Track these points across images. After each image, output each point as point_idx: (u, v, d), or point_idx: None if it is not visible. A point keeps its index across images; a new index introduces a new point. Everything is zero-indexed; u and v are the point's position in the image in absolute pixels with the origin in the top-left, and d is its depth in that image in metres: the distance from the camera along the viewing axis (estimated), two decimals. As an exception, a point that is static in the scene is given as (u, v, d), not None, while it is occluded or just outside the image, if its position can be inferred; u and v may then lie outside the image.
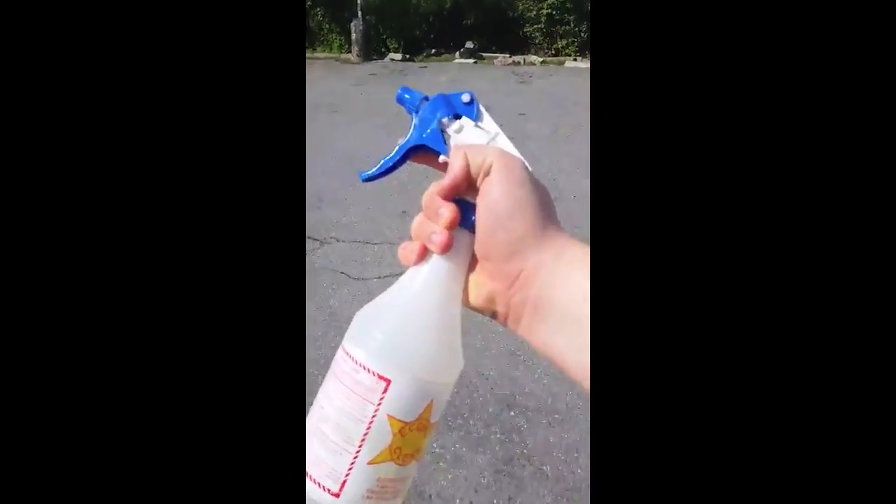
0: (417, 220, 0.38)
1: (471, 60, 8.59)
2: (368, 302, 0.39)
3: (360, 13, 8.88)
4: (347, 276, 2.45)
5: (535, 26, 9.07)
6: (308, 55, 9.52)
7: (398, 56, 8.73)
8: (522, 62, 8.43)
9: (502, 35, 9.53)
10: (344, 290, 2.35)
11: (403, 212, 3.10)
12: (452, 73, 7.41)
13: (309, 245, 2.75)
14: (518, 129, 4.38)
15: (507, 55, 8.98)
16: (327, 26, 9.66)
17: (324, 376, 0.37)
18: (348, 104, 5.72)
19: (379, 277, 2.44)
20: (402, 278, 0.39)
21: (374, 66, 8.28)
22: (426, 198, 0.38)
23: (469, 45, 9.29)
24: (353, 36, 8.90)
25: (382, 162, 0.43)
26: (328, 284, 2.38)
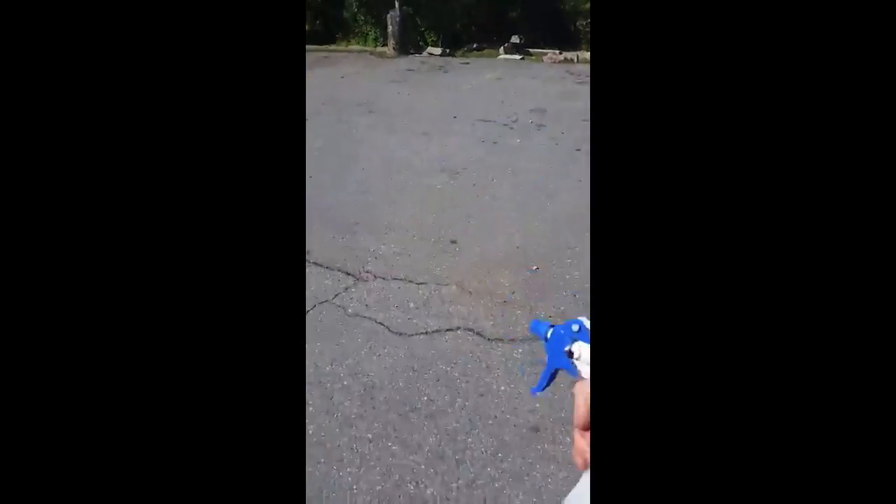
0: (577, 437, 0.42)
1: (517, 56, 8.06)
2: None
3: (396, 4, 8.47)
4: (387, 328, 2.02)
5: (589, 20, 8.49)
6: (342, 48, 9.19)
7: (437, 50, 8.28)
8: (576, 59, 7.85)
9: (551, 29, 8.98)
10: (383, 349, 1.92)
11: (453, 241, 2.67)
12: (498, 70, 6.91)
13: (341, 281, 2.34)
14: (585, 137, 3.87)
15: (557, 51, 8.42)
16: (362, 18, 9.30)
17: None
18: (385, 104, 5.31)
19: (426, 333, 2.00)
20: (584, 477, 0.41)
21: (411, 60, 7.85)
22: (576, 421, 0.41)
23: (515, 39, 8.75)
24: (390, 28, 8.50)
25: (539, 380, 0.47)
26: (364, 340, 1.96)
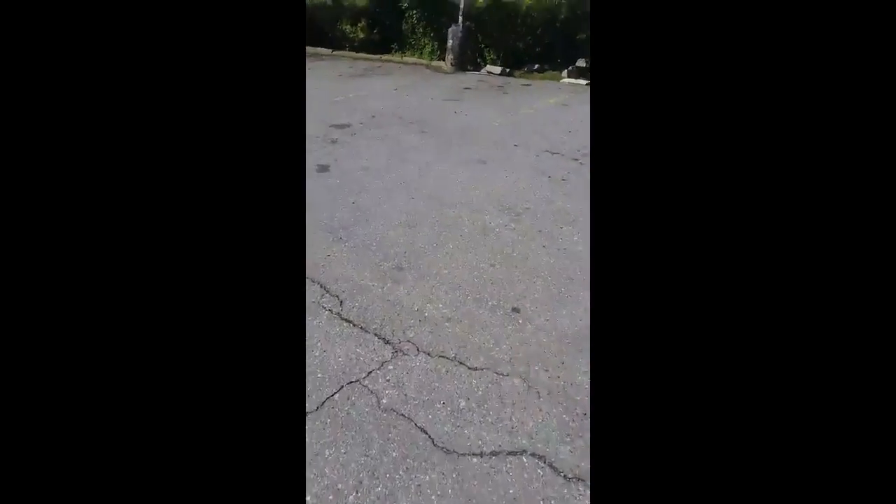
0: None
1: (582, 81, 7.56)
2: None
3: (460, 18, 8.12)
4: (430, 439, 1.52)
5: (661, 47, 7.90)
6: (396, 59, 8.90)
7: (496, 69, 7.86)
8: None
9: (617, 54, 8.45)
10: (422, 474, 1.40)
11: (515, 310, 2.17)
12: (562, 94, 6.41)
13: (377, 351, 1.87)
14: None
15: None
16: (421, 30, 9.01)
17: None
18: (439, 123, 4.88)
19: (480, 454, 1.47)
20: None
21: (468, 77, 7.44)
22: None
23: (581, 62, 8.26)
24: (450, 42, 8.14)
25: None
26: (399, 455, 1.45)
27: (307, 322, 2.00)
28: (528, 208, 3.11)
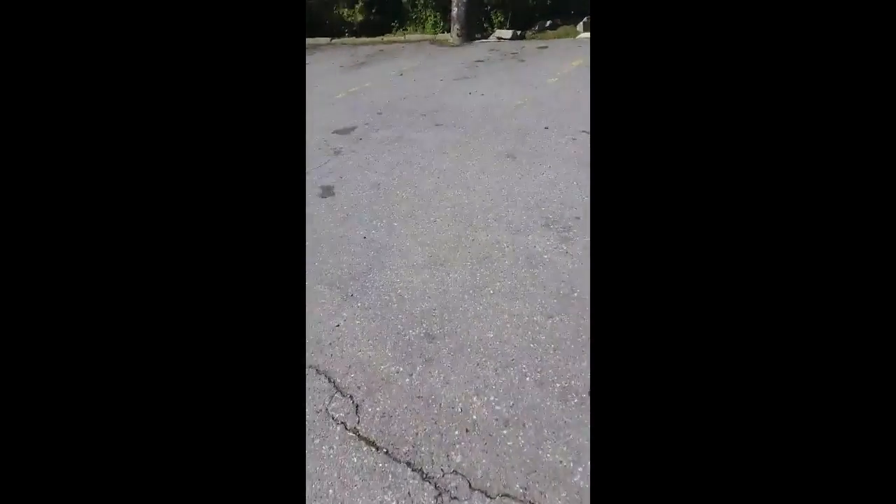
0: None
1: (604, 33, 6.62)
2: None
3: (460, -18, 7.20)
4: None
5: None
6: (399, 38, 8.06)
7: (507, 33, 6.95)
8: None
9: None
10: None
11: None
12: (584, 54, 5.53)
13: (413, 495, 1.30)
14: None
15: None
16: (422, 1, 8.10)
17: None
18: (454, 110, 4.16)
19: None
20: None
21: (478, 48, 6.59)
22: None
23: (598, 11, 7.27)
24: (454, 10, 7.26)
25: None
26: None
27: (312, 446, 1.44)
28: (577, 218, 2.43)
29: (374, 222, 2.60)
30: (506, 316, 1.86)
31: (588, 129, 3.41)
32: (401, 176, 3.09)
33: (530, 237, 2.33)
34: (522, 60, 5.53)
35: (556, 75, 4.81)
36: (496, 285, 2.04)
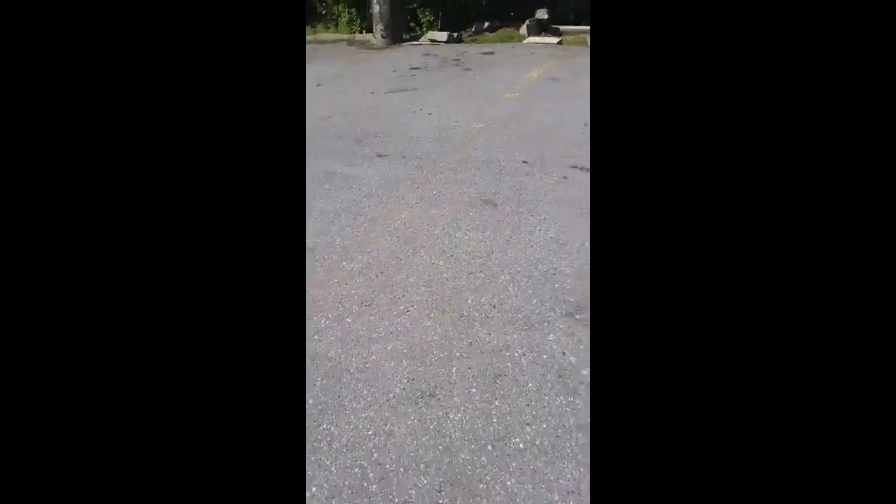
0: None
1: (552, 39, 6.25)
2: None
3: (382, -25, 6.50)
4: None
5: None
6: (309, 37, 7.18)
7: (441, 35, 6.37)
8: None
9: (581, 1, 7.13)
10: None
11: None
12: (541, 62, 5.06)
13: None
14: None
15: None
16: (335, -5, 7.29)
17: None
18: (399, 134, 3.43)
19: None
20: None
21: (410, 52, 5.93)
22: None
23: (541, 13, 6.93)
24: (376, 8, 6.54)
25: None
26: None
27: None
28: (607, 298, 1.87)
29: (316, 318, 1.83)
30: (556, 497, 1.21)
31: (578, 164, 2.89)
32: (342, 234, 2.33)
33: (552, 336, 1.71)
34: (468, 69, 4.96)
35: (514, 89, 4.29)
36: (526, 434, 1.39)
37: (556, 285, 1.94)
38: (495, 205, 2.50)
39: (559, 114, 3.64)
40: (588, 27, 6.54)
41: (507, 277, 1.99)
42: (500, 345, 1.68)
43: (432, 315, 1.82)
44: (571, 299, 1.87)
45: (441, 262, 2.09)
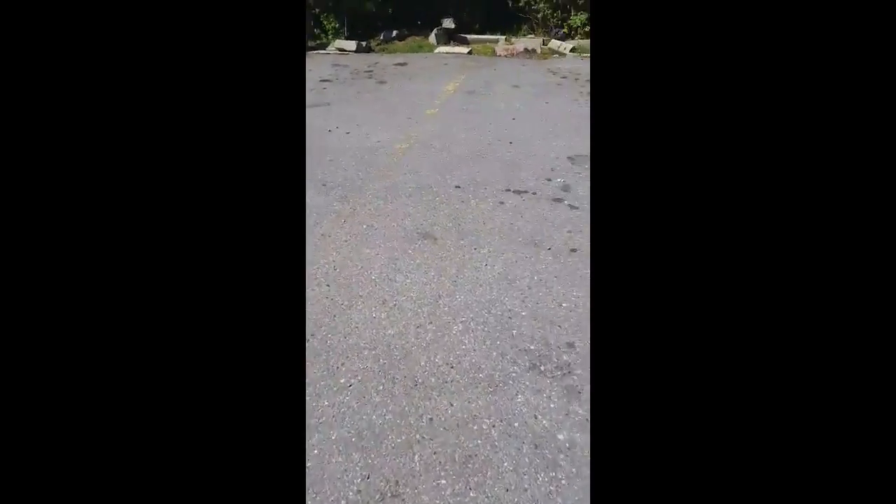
0: None
1: (461, 48, 6.16)
2: None
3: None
4: None
5: (538, -4, 6.82)
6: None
7: (349, 44, 6.05)
8: (537, 50, 6.14)
9: (482, 7, 7.17)
10: None
11: None
12: (456, 73, 4.94)
13: None
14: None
15: (504, 37, 6.66)
16: None
17: None
18: (314, 153, 3.14)
19: None
20: None
21: (318, 62, 5.53)
22: None
23: (447, 22, 6.85)
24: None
25: None
26: None
27: None
28: (571, 346, 1.72)
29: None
30: None
31: (511, 186, 2.77)
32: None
33: (519, 398, 1.54)
34: (382, 82, 4.71)
35: (433, 104, 4.12)
36: (513, 533, 1.19)
37: (514, 331, 1.78)
38: (435, 239, 2.30)
39: (483, 131, 3.53)
40: (493, 36, 6.60)
41: (461, 328, 1.80)
42: (465, 416, 1.48)
43: (381, 387, 1.57)
44: (532, 347, 1.72)
45: (383, 315, 1.85)
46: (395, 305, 1.90)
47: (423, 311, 1.87)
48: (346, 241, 2.28)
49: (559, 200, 2.58)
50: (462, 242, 2.27)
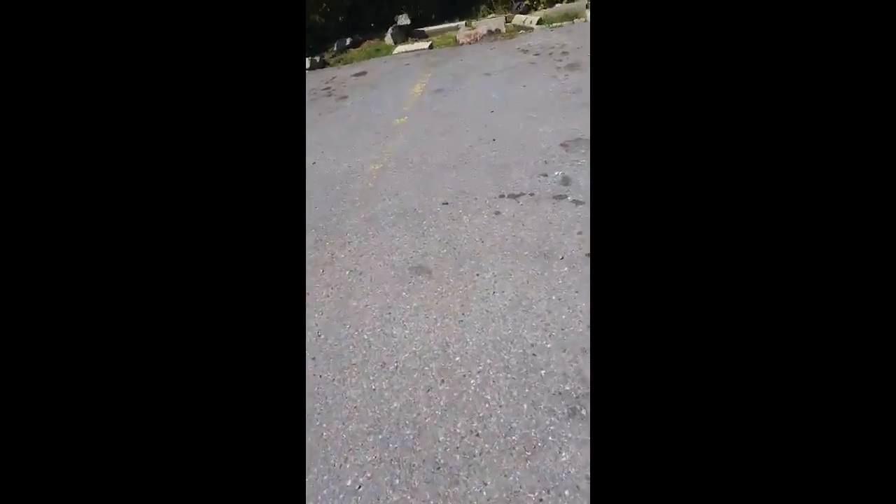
0: None
1: (422, 44, 5.84)
2: None
3: None
4: None
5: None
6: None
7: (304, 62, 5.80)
8: (503, 30, 5.82)
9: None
10: None
11: None
12: (418, 72, 4.65)
13: None
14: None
15: (464, 22, 6.34)
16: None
17: None
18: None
19: None
20: None
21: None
22: None
23: (402, 19, 6.52)
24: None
25: None
26: None
27: None
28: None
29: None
30: None
31: (504, 191, 2.49)
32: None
33: (565, 456, 1.27)
34: (343, 97, 4.42)
35: (402, 112, 3.84)
36: None
37: (542, 371, 1.52)
38: (429, 272, 2.03)
39: (460, 132, 3.25)
40: (452, 24, 6.30)
41: (479, 380, 1.53)
42: (505, 495, 1.21)
43: (396, 480, 1.31)
44: (567, 387, 1.46)
45: (384, 384, 1.58)
46: (396, 368, 1.63)
47: (430, 369, 1.60)
48: (327, 296, 2.01)
49: (561, 197, 2.31)
50: (461, 270, 2.01)
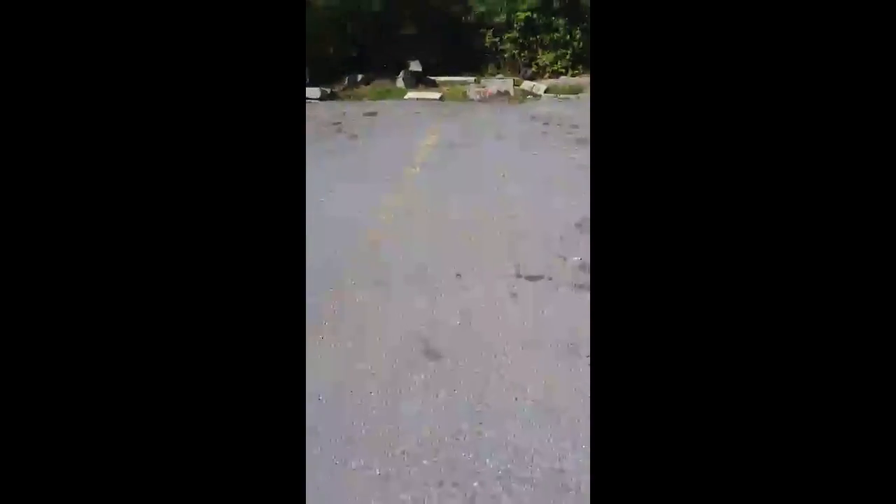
0: None
1: (433, 94, 5.85)
2: None
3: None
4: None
5: (507, 35, 6.64)
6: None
7: (314, 92, 5.60)
8: (512, 92, 5.90)
9: (449, 48, 6.95)
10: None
11: None
12: (430, 122, 4.57)
13: None
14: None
15: (474, 79, 6.42)
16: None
17: None
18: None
19: None
20: None
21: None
22: None
23: (414, 66, 6.56)
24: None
25: None
26: None
27: None
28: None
29: None
30: None
31: (520, 270, 2.38)
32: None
33: None
34: (354, 136, 4.30)
35: (413, 161, 3.73)
36: None
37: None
38: (438, 357, 1.87)
39: (474, 194, 3.15)
40: (462, 77, 6.38)
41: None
42: None
43: None
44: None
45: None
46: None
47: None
48: (337, 375, 1.81)
49: (582, 287, 2.21)
50: (476, 360, 1.85)
